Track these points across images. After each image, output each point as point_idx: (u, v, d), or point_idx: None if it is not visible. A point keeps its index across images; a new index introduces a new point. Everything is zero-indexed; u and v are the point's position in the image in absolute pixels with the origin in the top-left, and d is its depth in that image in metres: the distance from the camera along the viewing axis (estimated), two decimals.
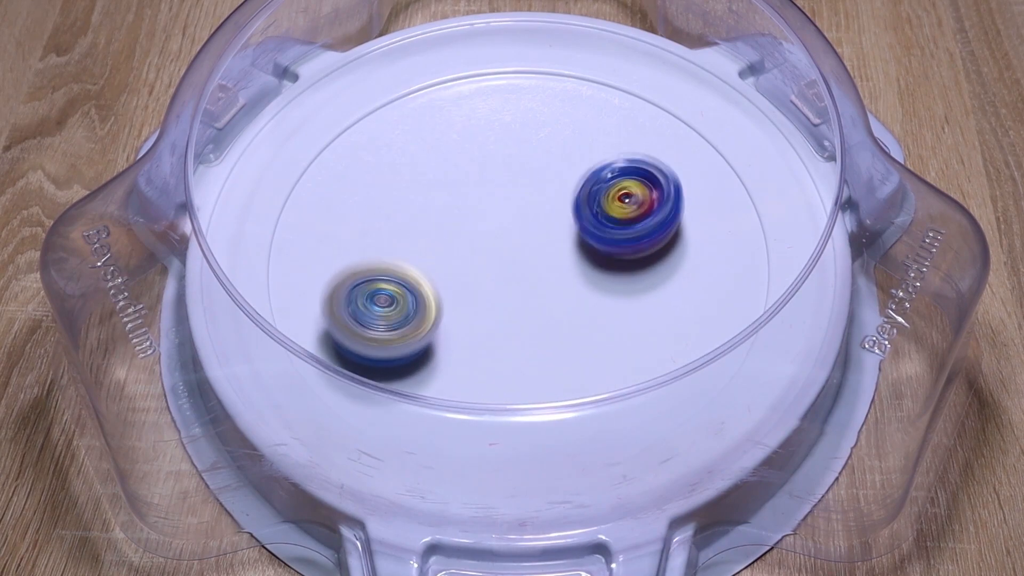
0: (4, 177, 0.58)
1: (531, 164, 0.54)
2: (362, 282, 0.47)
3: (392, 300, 0.47)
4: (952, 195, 0.49)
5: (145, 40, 0.64)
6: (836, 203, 0.48)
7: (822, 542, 0.47)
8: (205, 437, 0.49)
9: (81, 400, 0.50)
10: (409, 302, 0.47)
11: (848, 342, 0.49)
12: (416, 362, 0.48)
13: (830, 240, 0.47)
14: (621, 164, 0.50)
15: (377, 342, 0.46)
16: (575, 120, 0.55)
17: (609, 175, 0.50)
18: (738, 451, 0.45)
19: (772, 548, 0.47)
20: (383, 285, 0.47)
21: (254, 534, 0.47)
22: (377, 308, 0.47)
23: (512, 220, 0.52)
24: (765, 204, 0.52)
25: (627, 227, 0.49)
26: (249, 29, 0.53)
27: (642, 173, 0.50)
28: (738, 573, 0.47)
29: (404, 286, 0.47)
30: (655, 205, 0.49)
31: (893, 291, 0.47)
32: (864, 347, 0.47)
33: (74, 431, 0.50)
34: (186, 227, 0.51)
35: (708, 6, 0.59)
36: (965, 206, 0.48)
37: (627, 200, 0.50)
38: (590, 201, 0.50)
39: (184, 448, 0.49)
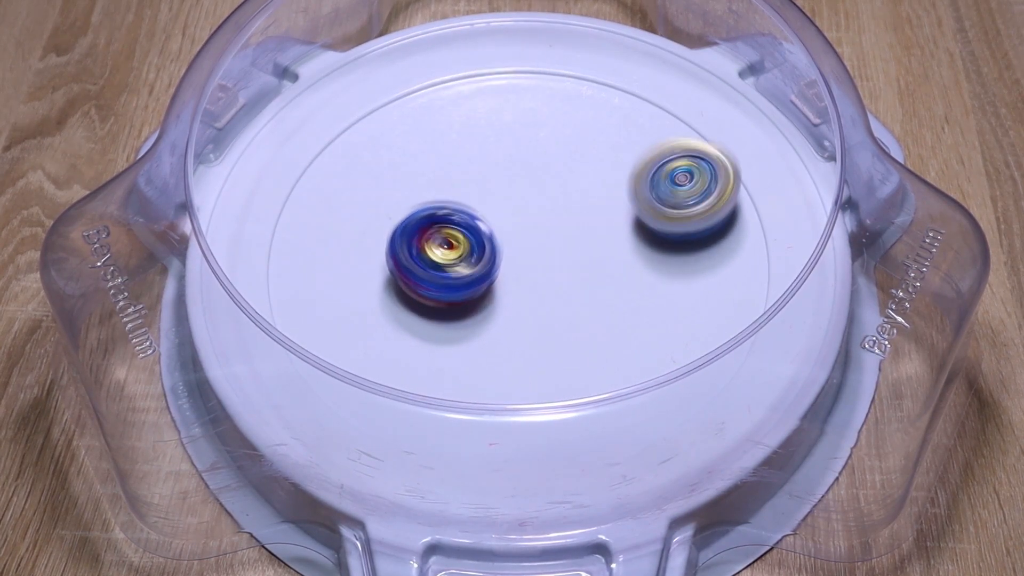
0: (4, 177, 0.58)
1: (531, 164, 0.54)
2: (660, 166, 0.50)
3: (691, 175, 0.49)
4: (952, 195, 0.49)
5: (145, 40, 0.64)
6: (836, 203, 0.48)
7: (822, 542, 0.47)
8: (205, 437, 0.49)
9: (81, 400, 0.50)
10: (707, 171, 0.49)
11: (848, 342, 0.49)
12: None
13: (830, 240, 0.47)
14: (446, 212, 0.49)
15: (688, 217, 0.49)
16: (575, 120, 0.55)
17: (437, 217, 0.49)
18: (738, 451, 0.45)
19: (772, 548, 0.47)
20: (678, 163, 0.49)
21: (254, 534, 0.47)
22: (679, 187, 0.49)
23: (511, 220, 0.52)
24: (765, 204, 0.52)
25: (443, 272, 0.48)
26: (249, 29, 0.53)
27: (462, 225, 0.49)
28: (738, 573, 0.47)
29: (697, 158, 0.50)
30: (471, 256, 0.48)
31: (893, 291, 0.47)
32: (864, 347, 0.47)
33: (74, 431, 0.50)
34: (186, 227, 0.51)
35: (708, 6, 0.59)
36: (965, 206, 0.48)
37: (447, 246, 0.48)
38: (407, 240, 0.48)
39: (184, 448, 0.49)
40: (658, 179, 0.49)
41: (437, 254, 0.48)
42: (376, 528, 0.44)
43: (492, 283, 0.49)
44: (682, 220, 0.49)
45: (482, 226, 0.49)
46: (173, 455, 0.49)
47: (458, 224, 0.49)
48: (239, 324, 0.47)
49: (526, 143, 0.55)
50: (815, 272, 0.46)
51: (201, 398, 0.50)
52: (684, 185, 0.49)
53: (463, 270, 0.48)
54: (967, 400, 0.51)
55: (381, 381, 0.44)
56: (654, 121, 0.55)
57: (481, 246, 0.49)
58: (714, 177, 0.49)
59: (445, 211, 0.49)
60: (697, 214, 0.49)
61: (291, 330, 0.46)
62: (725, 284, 0.50)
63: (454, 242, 0.49)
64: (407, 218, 0.49)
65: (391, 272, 0.49)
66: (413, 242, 0.48)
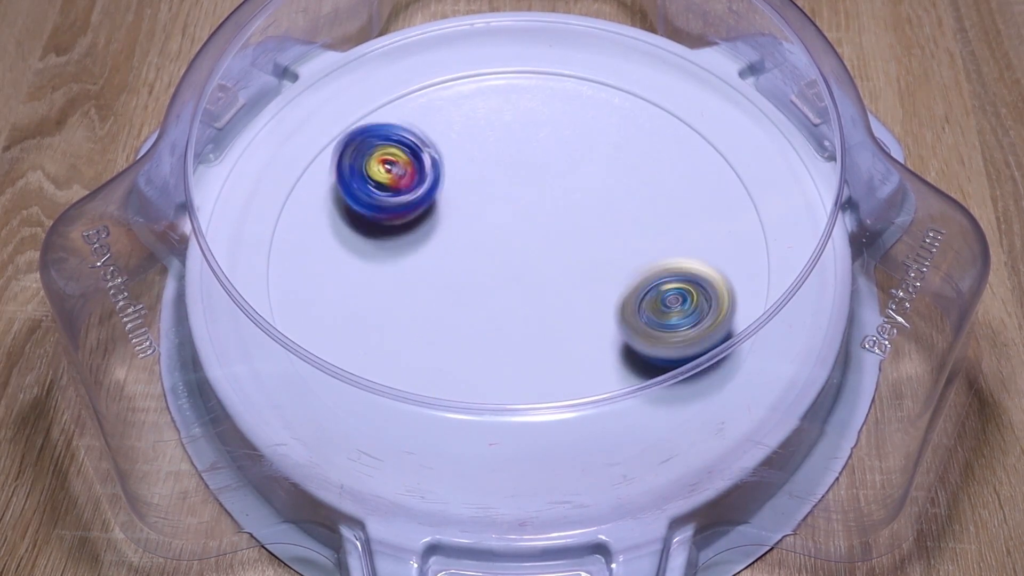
0: (4, 177, 0.58)
1: (531, 164, 0.54)
2: (649, 289, 0.47)
3: (683, 298, 0.46)
4: (952, 195, 0.49)
5: (145, 40, 0.64)
6: (836, 203, 0.48)
7: (822, 542, 0.47)
8: (205, 437, 0.49)
9: (81, 400, 0.50)
10: (700, 293, 0.46)
11: (848, 342, 0.49)
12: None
13: (830, 240, 0.47)
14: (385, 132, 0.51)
15: (679, 342, 0.46)
16: (575, 120, 0.55)
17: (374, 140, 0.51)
18: (738, 451, 0.45)
19: (772, 548, 0.47)
20: (669, 286, 0.47)
21: (254, 534, 0.47)
22: (669, 309, 0.46)
23: (512, 219, 0.52)
24: (765, 204, 0.52)
25: (393, 194, 0.51)
26: (249, 29, 0.53)
27: (403, 142, 0.51)
28: (738, 573, 0.47)
29: (689, 280, 0.47)
30: (415, 176, 0.51)
31: (893, 291, 0.47)
32: (864, 347, 0.47)
33: (74, 431, 0.50)
34: (186, 227, 0.51)
35: (708, 6, 0.59)
36: (965, 206, 0.48)
37: (390, 167, 0.51)
38: (354, 162, 0.51)
39: (184, 448, 0.49)
40: (648, 302, 0.46)
41: (382, 173, 0.51)
42: (376, 528, 0.44)
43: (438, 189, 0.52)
44: (672, 344, 0.46)
45: (412, 138, 0.51)
46: (173, 455, 0.49)
47: (392, 140, 0.51)
48: (239, 324, 0.47)
49: (526, 143, 0.54)
50: (815, 272, 0.46)
51: (201, 398, 0.50)
52: (674, 307, 0.46)
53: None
54: (967, 400, 0.51)
55: (381, 381, 0.44)
56: (654, 121, 0.55)
57: (418, 156, 0.51)
58: (707, 299, 0.46)
59: (376, 130, 0.51)
60: (688, 339, 0.46)
61: (291, 330, 0.46)
62: None
63: (396, 159, 0.51)
64: (348, 142, 0.51)
65: (350, 203, 0.51)
66: (361, 168, 0.51)
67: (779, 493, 0.48)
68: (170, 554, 0.47)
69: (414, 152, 0.51)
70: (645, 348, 0.47)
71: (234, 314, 0.46)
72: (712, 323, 0.46)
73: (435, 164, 0.51)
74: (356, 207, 0.51)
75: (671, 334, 0.46)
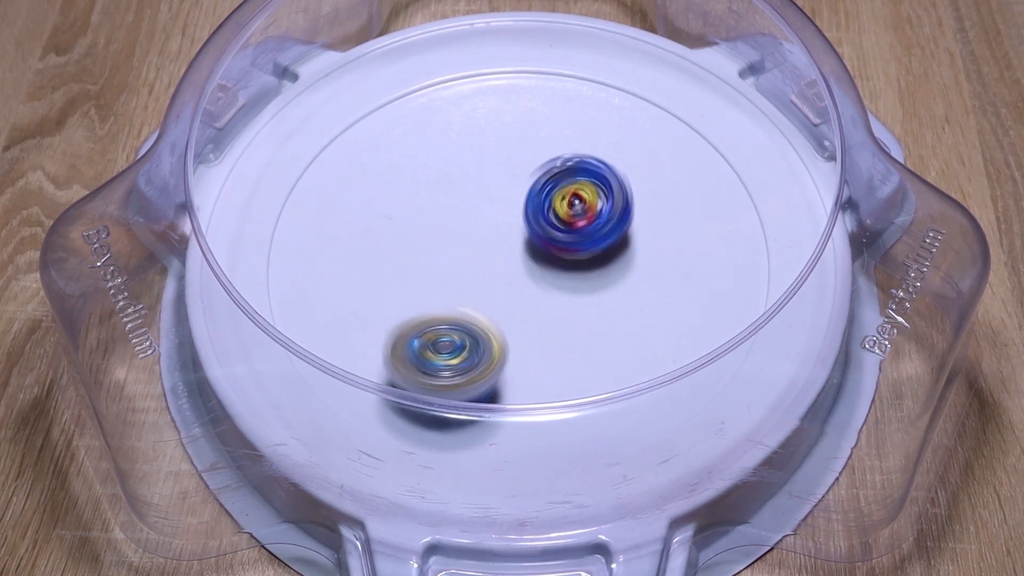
0: (4, 177, 0.58)
1: (531, 164, 0.54)
2: (424, 332, 0.46)
3: (454, 345, 0.46)
4: (952, 195, 0.49)
5: (145, 40, 0.64)
6: (836, 203, 0.48)
7: (822, 542, 0.47)
8: (205, 437, 0.49)
9: (81, 400, 0.50)
10: (471, 343, 0.46)
11: (848, 342, 0.49)
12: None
13: (830, 240, 0.47)
14: (574, 162, 0.50)
15: (445, 388, 0.45)
16: (575, 120, 0.55)
17: (559, 172, 0.50)
18: (738, 451, 0.45)
19: (772, 548, 0.47)
20: (443, 332, 0.46)
21: (254, 534, 0.47)
22: (441, 355, 0.46)
23: (512, 220, 0.52)
24: (765, 204, 0.52)
25: (571, 230, 0.49)
26: (249, 29, 0.53)
27: (595, 175, 0.50)
28: (738, 573, 0.47)
29: (465, 331, 0.46)
30: (602, 212, 0.49)
31: (893, 291, 0.47)
32: (864, 347, 0.47)
33: (74, 431, 0.50)
34: (186, 227, 0.51)
35: (708, 6, 0.59)
36: (965, 206, 0.48)
37: (576, 204, 0.49)
38: (541, 199, 0.50)
39: (184, 448, 0.49)
40: (419, 345, 0.46)
41: (572, 210, 0.49)
42: (376, 528, 0.44)
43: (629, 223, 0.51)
44: (434, 389, 0.45)
45: (605, 172, 0.50)
46: (173, 455, 0.49)
47: (583, 174, 0.50)
48: (239, 324, 0.47)
49: (526, 143, 0.54)
50: (815, 272, 0.46)
51: (201, 398, 0.50)
52: (445, 352, 0.46)
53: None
54: (967, 400, 0.51)
55: (381, 381, 0.44)
56: (654, 121, 0.55)
57: (608, 188, 0.50)
58: (479, 350, 0.46)
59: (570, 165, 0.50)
60: (452, 386, 0.45)
61: (291, 330, 0.46)
62: (725, 284, 0.50)
63: (584, 196, 0.49)
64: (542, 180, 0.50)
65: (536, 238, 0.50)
66: (547, 204, 0.50)
67: (779, 493, 0.48)
68: (170, 554, 0.47)
69: (605, 190, 0.50)
70: (408, 388, 0.46)
71: (234, 314, 0.46)
72: (479, 375, 0.45)
73: (626, 204, 0.50)
74: (533, 238, 0.50)
75: (436, 378, 0.45)
